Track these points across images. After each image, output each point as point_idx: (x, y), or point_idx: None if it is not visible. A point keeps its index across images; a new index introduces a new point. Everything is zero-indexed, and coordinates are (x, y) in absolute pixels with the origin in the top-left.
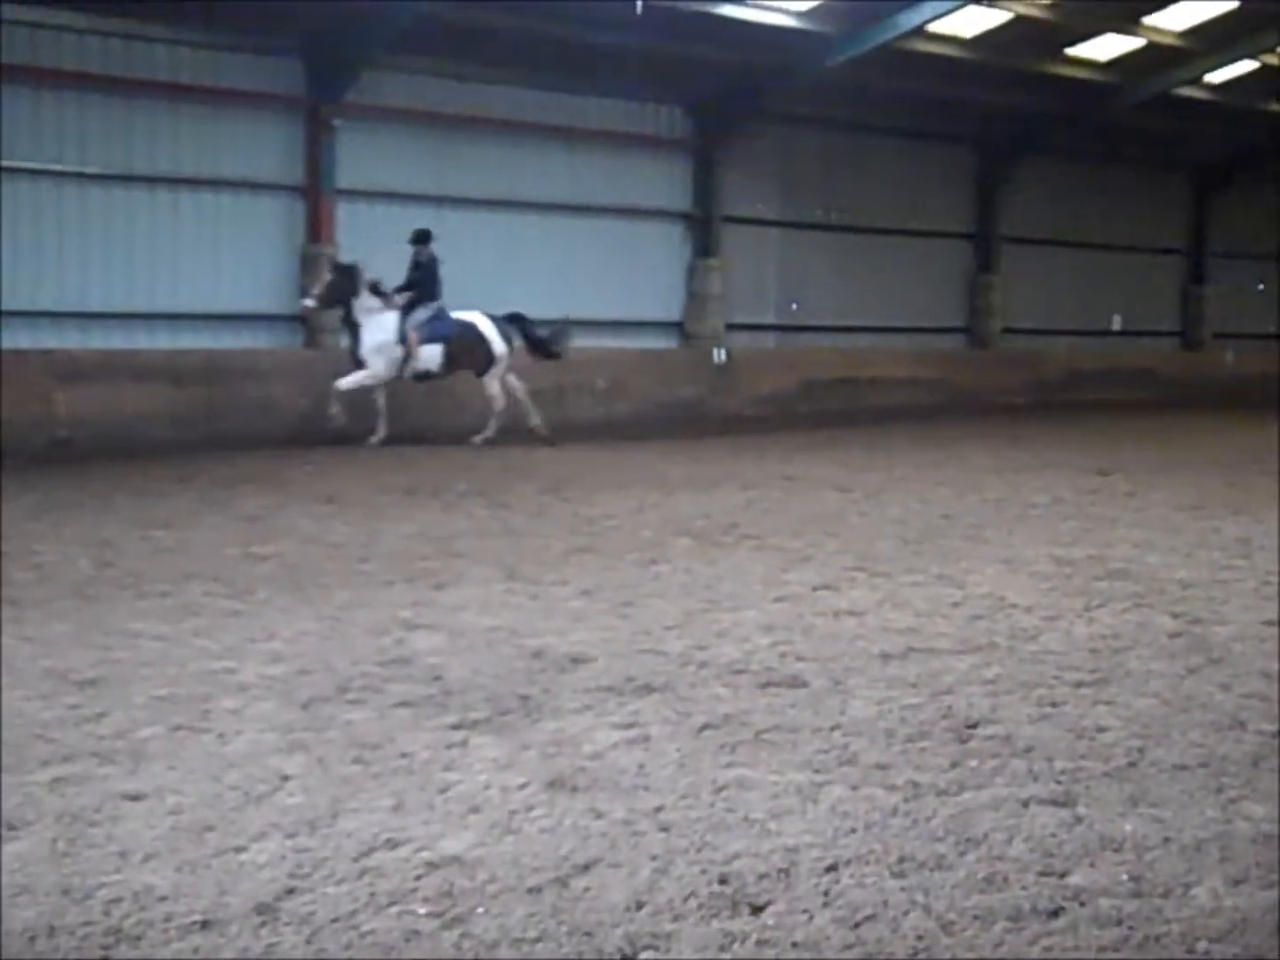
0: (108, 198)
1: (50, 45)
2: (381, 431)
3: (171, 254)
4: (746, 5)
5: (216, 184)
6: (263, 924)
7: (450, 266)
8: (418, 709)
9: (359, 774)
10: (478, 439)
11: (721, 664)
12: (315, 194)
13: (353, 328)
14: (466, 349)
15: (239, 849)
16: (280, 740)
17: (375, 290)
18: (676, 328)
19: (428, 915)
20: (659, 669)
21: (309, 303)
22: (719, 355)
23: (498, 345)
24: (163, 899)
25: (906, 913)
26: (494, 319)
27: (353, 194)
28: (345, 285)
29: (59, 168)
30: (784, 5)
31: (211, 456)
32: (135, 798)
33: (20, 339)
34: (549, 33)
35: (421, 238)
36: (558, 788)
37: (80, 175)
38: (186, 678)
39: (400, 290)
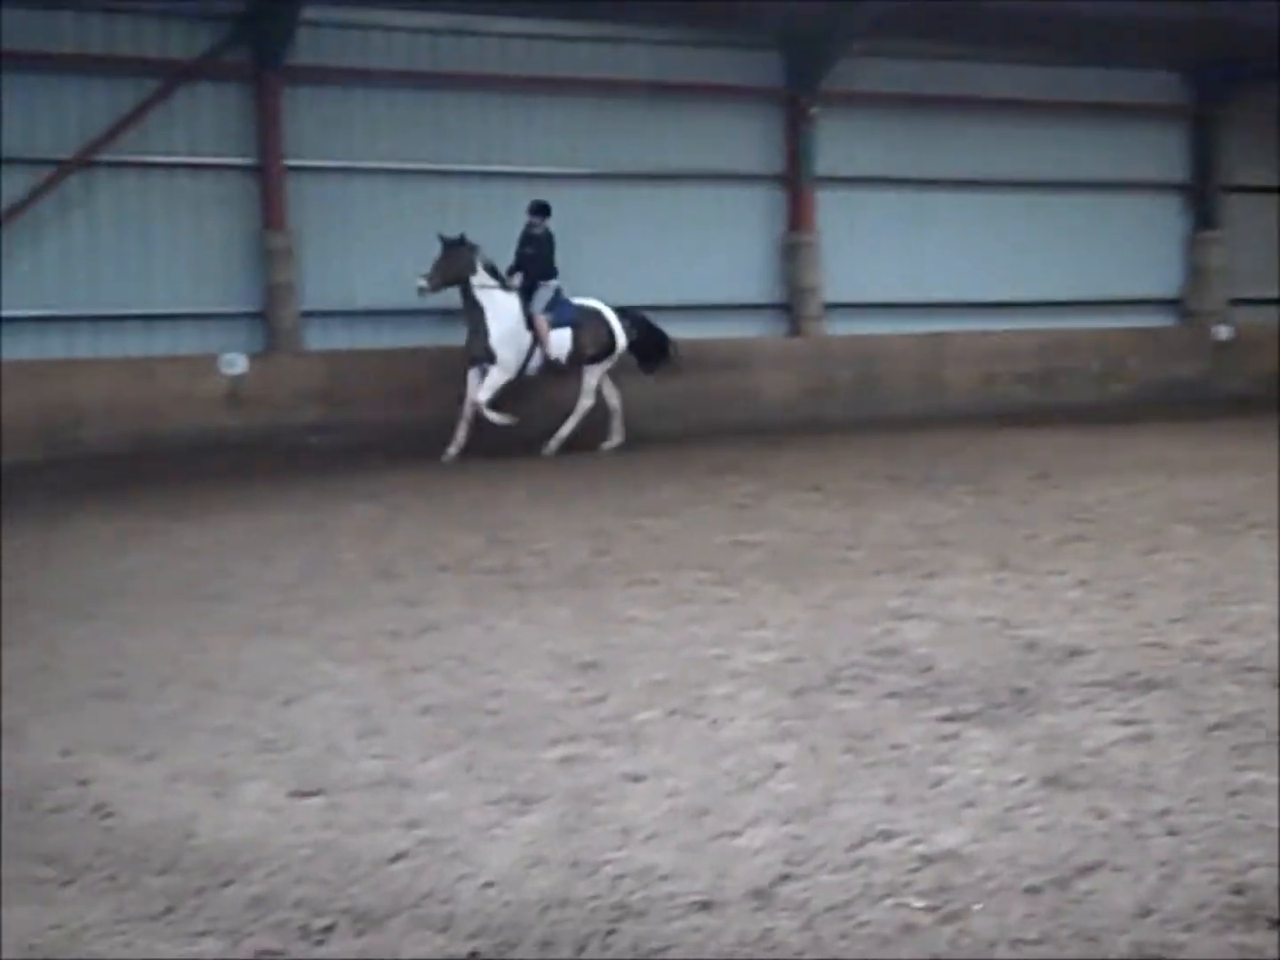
0: (595, 195)
1: (545, 54)
2: (503, 419)
3: (655, 247)
4: None
5: (699, 177)
6: (759, 908)
7: (935, 250)
8: (909, 700)
9: (850, 764)
10: (608, 445)
11: (1232, 660)
12: (795, 183)
13: (475, 311)
14: (593, 336)
15: (734, 834)
16: (772, 728)
17: (490, 270)
18: (1174, 305)
19: (924, 909)
20: (1162, 664)
21: (421, 283)
22: (1222, 332)
23: (620, 335)
24: (664, 878)
25: None
26: (613, 310)
27: (832, 181)
28: (459, 264)
29: (551, 169)
30: None
31: (697, 446)
32: (636, 779)
33: None
34: (1033, 4)
35: (539, 210)
36: (1055, 785)
37: (572, 175)
38: (680, 663)
39: (513, 270)
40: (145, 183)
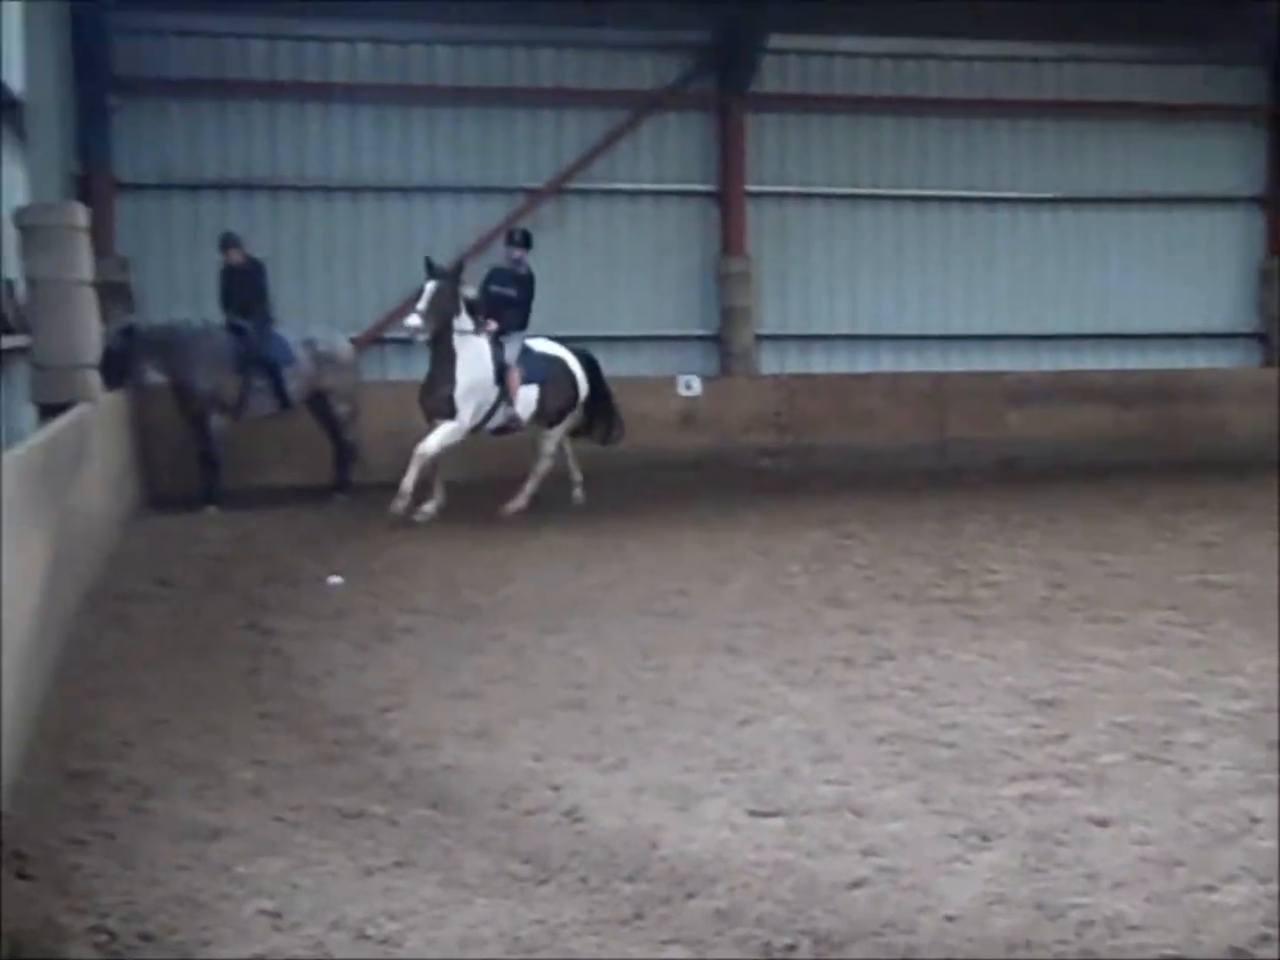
0: (1057, 220)
1: (1008, 76)
2: (438, 498)
3: (1121, 274)
4: None
5: (1169, 201)
6: None
7: None
8: None
9: None
10: (510, 508)
11: None
12: (1277, 206)
13: (446, 358)
14: (558, 392)
15: (1209, 888)
16: (1248, 780)
17: (471, 309)
18: None
19: None
20: None
21: (413, 322)
22: None
23: (583, 386)
24: (1134, 928)
25: None
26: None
27: None
28: (452, 300)
29: (1015, 194)
30: None
31: (1160, 479)
32: (1101, 823)
33: (974, 361)
34: None
35: (524, 240)
36: None
37: (1038, 200)
38: (1145, 706)
39: (492, 310)
40: (611, 209)
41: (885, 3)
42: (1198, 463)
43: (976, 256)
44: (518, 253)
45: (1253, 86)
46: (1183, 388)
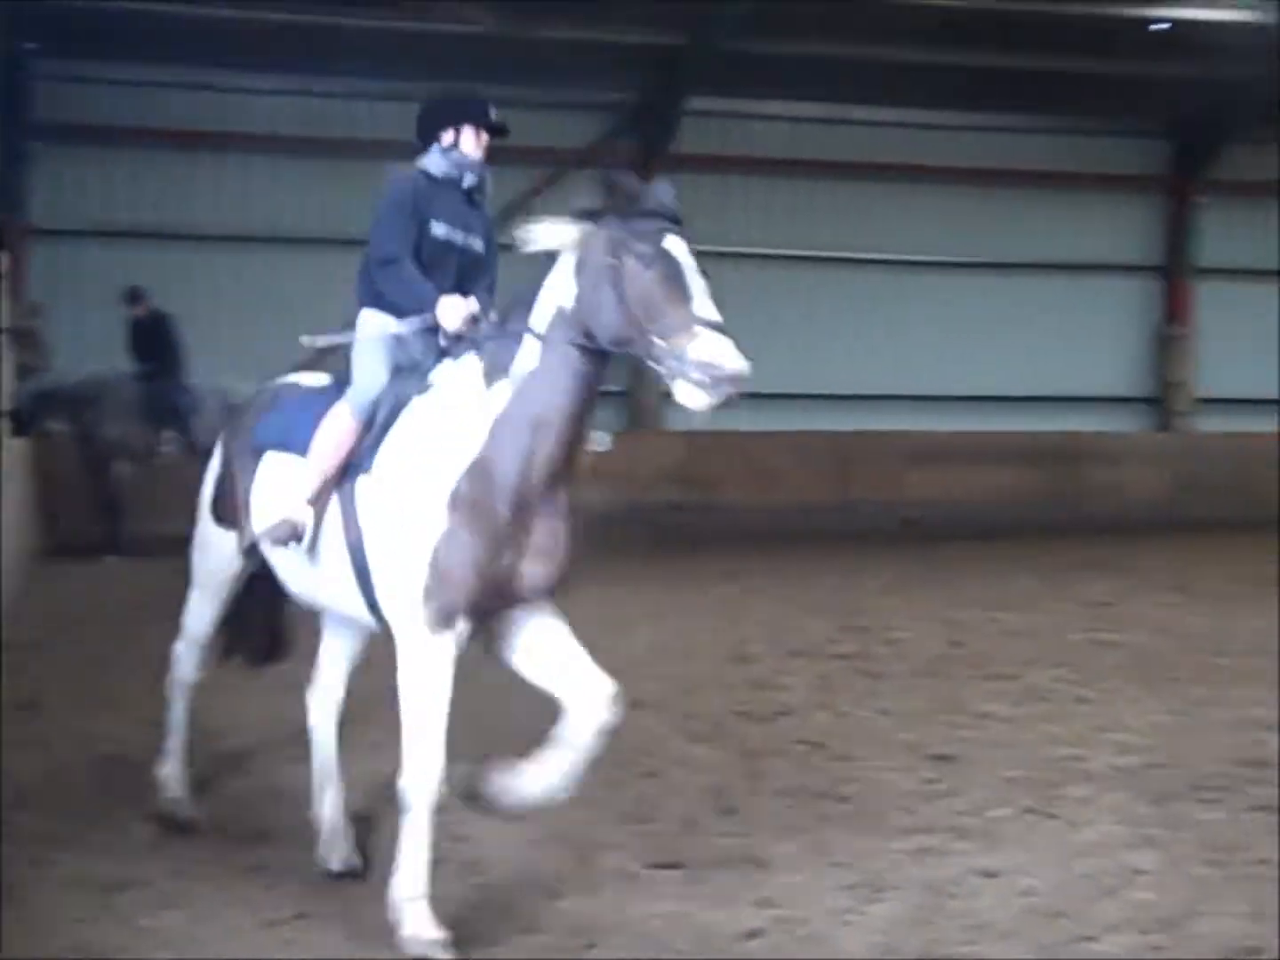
0: (962, 284)
1: (926, 143)
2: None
3: (1025, 338)
4: None
5: (1072, 268)
6: None
7: None
8: (1277, 815)
9: (1213, 876)
10: None
11: None
12: (1175, 274)
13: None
14: None
15: (1091, 939)
16: (1131, 834)
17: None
18: None
19: None
20: None
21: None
22: None
23: None
24: None
25: None
26: None
27: (1213, 273)
28: None
29: (925, 258)
30: None
31: (1056, 540)
32: (990, 874)
33: (882, 421)
34: None
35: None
36: None
37: (945, 264)
38: (1034, 762)
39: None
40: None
41: (807, 68)
42: (1093, 524)
43: (888, 318)
44: (475, 147)
45: (1154, 158)
46: (1080, 450)
